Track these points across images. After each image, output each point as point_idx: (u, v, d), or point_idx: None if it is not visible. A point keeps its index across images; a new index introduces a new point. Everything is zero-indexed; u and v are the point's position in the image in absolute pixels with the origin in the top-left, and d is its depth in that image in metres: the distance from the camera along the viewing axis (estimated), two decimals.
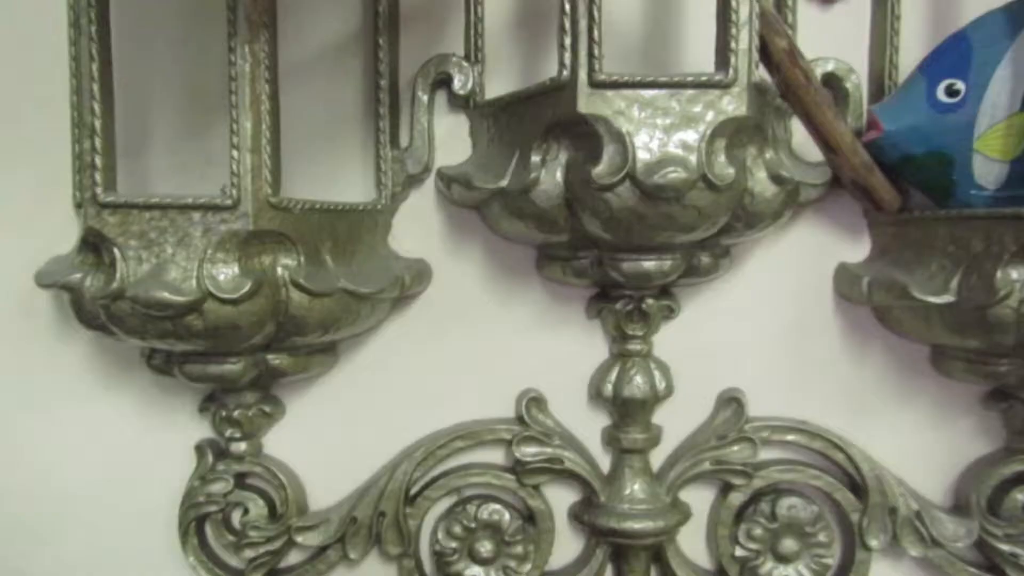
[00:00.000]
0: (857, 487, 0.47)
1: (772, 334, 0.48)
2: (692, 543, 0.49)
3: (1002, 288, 0.39)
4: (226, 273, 0.38)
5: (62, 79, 0.44)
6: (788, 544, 0.47)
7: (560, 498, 0.49)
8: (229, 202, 0.38)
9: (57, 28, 0.42)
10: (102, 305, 0.39)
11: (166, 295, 0.37)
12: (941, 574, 0.48)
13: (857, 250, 0.48)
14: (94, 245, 0.40)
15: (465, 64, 0.46)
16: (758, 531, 0.47)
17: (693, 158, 0.37)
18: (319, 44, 0.47)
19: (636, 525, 0.46)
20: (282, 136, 0.42)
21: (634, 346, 0.47)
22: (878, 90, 0.46)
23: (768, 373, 0.48)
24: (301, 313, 0.41)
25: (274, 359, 0.44)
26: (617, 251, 0.42)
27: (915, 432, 0.49)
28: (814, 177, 0.43)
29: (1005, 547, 0.47)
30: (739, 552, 0.48)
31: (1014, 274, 0.39)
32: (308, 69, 0.47)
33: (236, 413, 0.46)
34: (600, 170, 0.37)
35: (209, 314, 0.38)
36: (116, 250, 0.38)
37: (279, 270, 0.40)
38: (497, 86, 0.46)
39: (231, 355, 0.42)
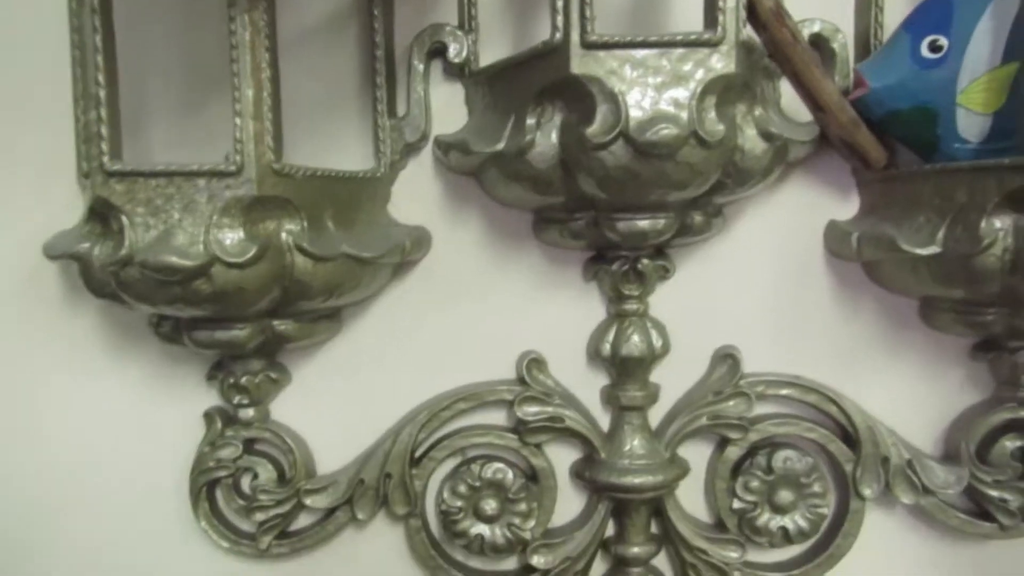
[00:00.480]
0: (850, 438, 0.49)
1: (765, 292, 0.49)
2: (691, 497, 0.50)
3: (986, 237, 0.40)
4: (232, 238, 0.39)
5: (64, 55, 0.44)
6: (784, 495, 0.49)
7: (562, 456, 0.50)
8: (233, 168, 0.39)
9: (58, 4, 0.43)
10: (111, 272, 0.40)
11: (174, 260, 0.38)
12: (933, 521, 0.49)
13: (847, 208, 0.49)
14: (101, 214, 0.41)
15: (459, 33, 0.47)
16: (755, 483, 0.49)
17: (684, 115, 0.38)
18: (316, 16, 0.47)
19: (636, 480, 0.47)
20: (282, 108, 0.43)
21: (631, 306, 0.48)
22: (864, 50, 0.47)
23: (762, 330, 0.50)
24: (306, 278, 0.42)
25: (280, 325, 0.45)
26: (612, 211, 0.43)
27: (906, 384, 0.50)
28: (802, 134, 0.44)
29: (994, 493, 0.48)
30: (737, 504, 0.49)
31: (997, 223, 0.41)
32: (305, 41, 0.47)
33: (243, 380, 0.47)
34: (594, 129, 0.38)
35: (216, 278, 0.39)
36: (124, 217, 0.39)
37: (283, 235, 0.41)
38: (491, 54, 0.47)
39: (238, 321, 0.43)
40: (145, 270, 0.39)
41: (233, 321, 0.43)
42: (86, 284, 0.43)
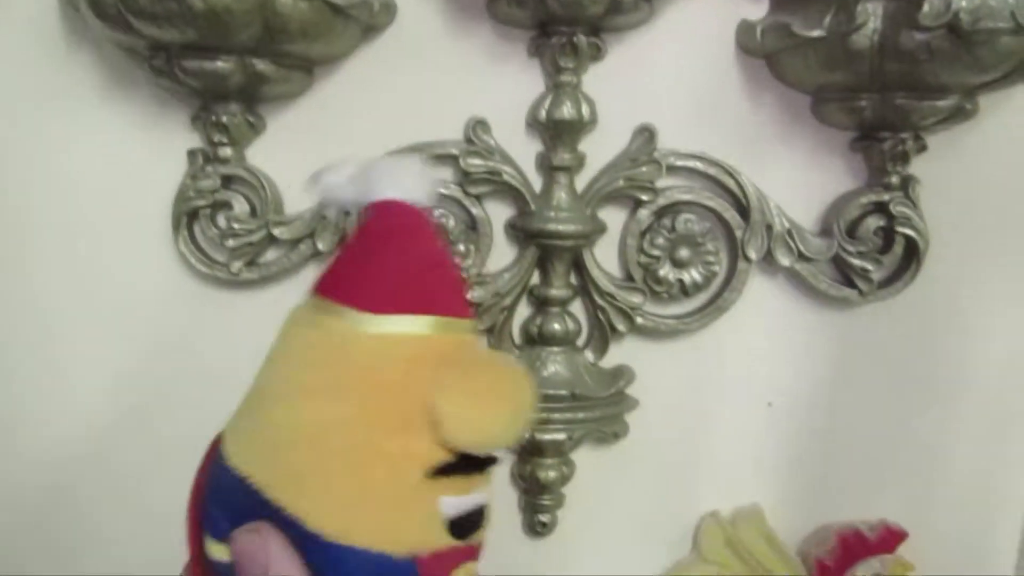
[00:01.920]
0: (743, 208, 0.57)
1: (683, 80, 0.57)
2: (606, 255, 0.59)
3: (860, 17, 0.49)
4: None
5: None
6: (683, 252, 0.57)
7: (498, 213, 0.58)
8: None
9: None
10: None
11: None
12: (806, 285, 0.59)
13: (759, 10, 0.57)
14: None
15: None
16: (660, 240, 0.57)
17: None
18: None
19: (560, 227, 0.55)
20: None
21: (566, 78, 0.55)
22: None
23: (677, 113, 0.57)
24: (286, 12, 0.48)
25: (259, 64, 0.51)
26: None
27: (794, 170, 0.59)
28: None
29: (857, 263, 0.58)
30: (643, 259, 0.58)
31: (870, 7, 0.49)
32: None
33: (224, 119, 0.54)
34: None
35: None
36: None
37: None
38: None
39: (223, 52, 0.50)
40: None
41: (218, 51, 0.50)
42: (93, 9, 0.49)
